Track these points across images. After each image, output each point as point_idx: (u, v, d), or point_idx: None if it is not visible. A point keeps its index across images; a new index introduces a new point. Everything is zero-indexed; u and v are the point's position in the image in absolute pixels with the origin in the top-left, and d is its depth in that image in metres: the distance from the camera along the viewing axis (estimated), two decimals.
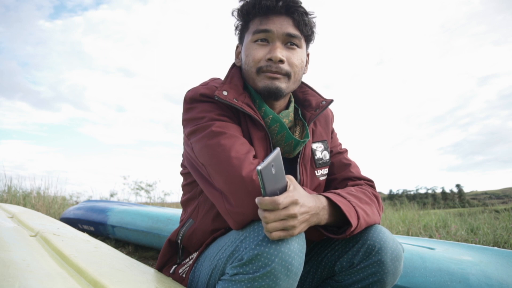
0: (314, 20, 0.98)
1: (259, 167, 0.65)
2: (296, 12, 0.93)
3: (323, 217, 0.80)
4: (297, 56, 0.95)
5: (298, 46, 0.95)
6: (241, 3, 0.97)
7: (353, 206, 0.83)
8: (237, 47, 1.06)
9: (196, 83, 1.00)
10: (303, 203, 0.74)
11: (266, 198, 0.69)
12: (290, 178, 0.77)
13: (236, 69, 1.02)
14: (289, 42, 0.94)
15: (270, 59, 0.91)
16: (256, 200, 0.71)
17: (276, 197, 0.69)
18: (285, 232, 0.72)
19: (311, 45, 1.05)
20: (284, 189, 0.74)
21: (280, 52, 0.91)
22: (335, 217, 0.83)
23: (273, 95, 0.93)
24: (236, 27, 1.03)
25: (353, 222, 0.80)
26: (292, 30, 0.93)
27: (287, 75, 0.94)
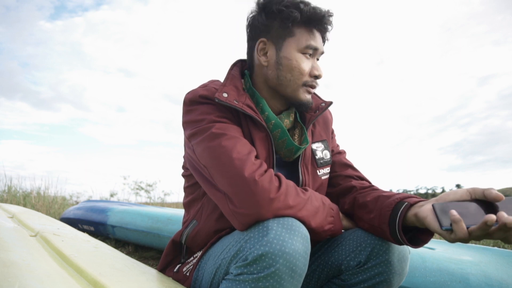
0: None
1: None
2: (328, 31, 0.99)
3: None
4: None
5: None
6: (296, 6, 0.91)
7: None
8: (261, 42, 0.96)
9: (196, 83, 0.99)
10: None
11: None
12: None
13: (236, 70, 1.01)
14: (318, 58, 0.99)
15: (316, 76, 0.96)
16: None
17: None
18: None
19: None
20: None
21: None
22: None
23: (308, 107, 0.99)
24: (259, 21, 0.95)
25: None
26: (323, 49, 0.99)
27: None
